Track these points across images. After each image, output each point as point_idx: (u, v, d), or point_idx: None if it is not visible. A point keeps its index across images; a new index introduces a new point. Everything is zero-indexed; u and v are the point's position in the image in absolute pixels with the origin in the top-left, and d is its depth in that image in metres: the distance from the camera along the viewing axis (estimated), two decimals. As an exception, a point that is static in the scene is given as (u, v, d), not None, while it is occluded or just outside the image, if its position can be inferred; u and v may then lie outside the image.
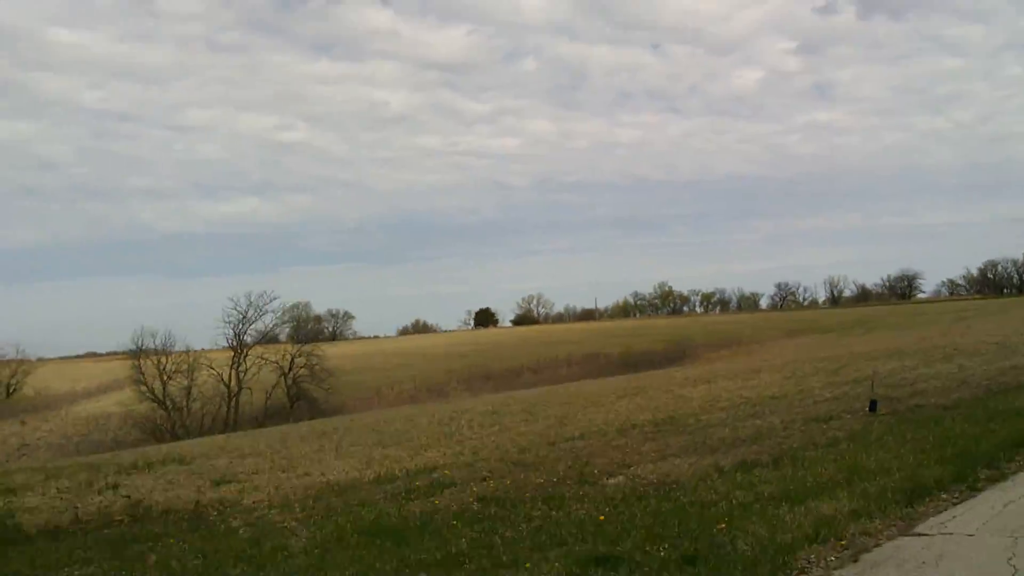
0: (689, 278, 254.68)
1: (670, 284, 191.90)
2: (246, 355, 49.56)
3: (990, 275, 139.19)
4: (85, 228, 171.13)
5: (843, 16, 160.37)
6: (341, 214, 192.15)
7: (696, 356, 60.82)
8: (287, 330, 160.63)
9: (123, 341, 57.18)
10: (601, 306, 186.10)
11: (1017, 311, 55.77)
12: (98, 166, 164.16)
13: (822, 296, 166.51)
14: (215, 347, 55.30)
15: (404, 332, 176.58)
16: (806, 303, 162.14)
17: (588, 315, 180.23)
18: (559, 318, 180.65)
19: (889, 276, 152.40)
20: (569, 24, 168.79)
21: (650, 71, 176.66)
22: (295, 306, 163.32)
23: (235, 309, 51.40)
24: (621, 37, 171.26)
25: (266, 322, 51.96)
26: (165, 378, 47.19)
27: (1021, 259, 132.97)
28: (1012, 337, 20.50)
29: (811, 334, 66.61)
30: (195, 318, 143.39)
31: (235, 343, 50.89)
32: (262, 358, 49.15)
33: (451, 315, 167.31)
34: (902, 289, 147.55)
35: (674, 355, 61.95)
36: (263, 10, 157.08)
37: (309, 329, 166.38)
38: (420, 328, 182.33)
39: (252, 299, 51.62)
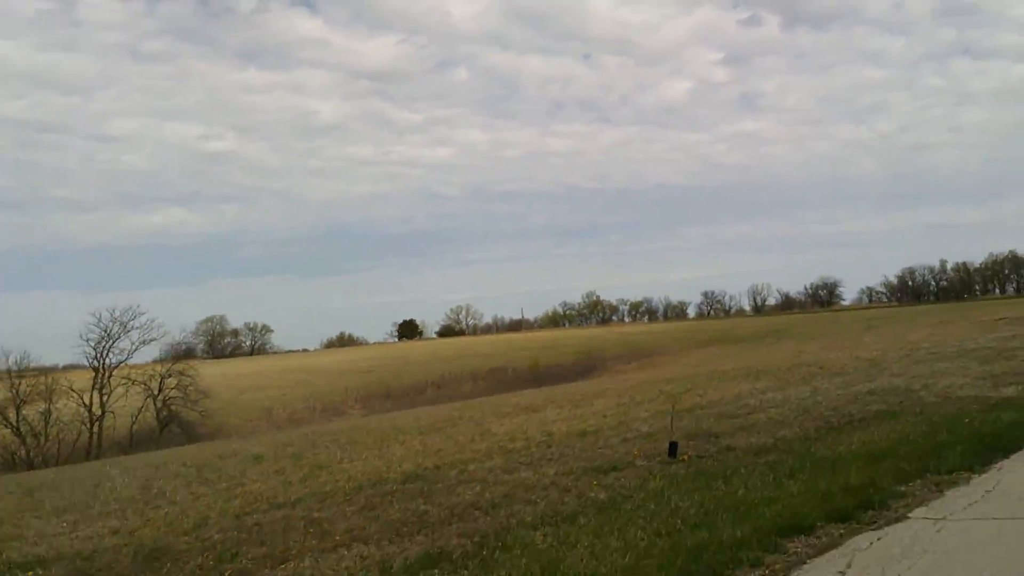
0: (623, 287, 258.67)
1: (598, 293, 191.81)
2: (110, 375, 45.35)
3: (909, 282, 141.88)
4: (4, 240, 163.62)
5: (767, 28, 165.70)
6: (272, 224, 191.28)
7: (605, 369, 58.66)
8: (201, 345, 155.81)
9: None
10: (531, 316, 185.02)
11: (924, 319, 54.99)
12: (19, 177, 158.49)
13: (747, 305, 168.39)
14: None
15: (330, 345, 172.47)
16: (733, 312, 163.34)
17: (516, 326, 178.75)
18: (487, 329, 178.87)
19: (812, 284, 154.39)
20: (501, 34, 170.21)
21: (582, 81, 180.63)
22: (209, 320, 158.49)
23: (96, 326, 47.03)
24: (553, 47, 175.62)
25: (133, 339, 47.54)
26: (19, 402, 42.87)
27: (938, 266, 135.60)
28: (889, 352, 18.37)
29: (723, 345, 65.15)
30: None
31: (96, 362, 46.51)
32: (127, 379, 45.06)
33: (384, 327, 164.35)
34: (822, 297, 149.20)
35: (584, 368, 59.71)
36: (188, 18, 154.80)
37: (225, 343, 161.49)
38: (345, 341, 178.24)
39: (115, 315, 47.28)
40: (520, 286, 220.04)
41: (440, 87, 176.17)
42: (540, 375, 56.48)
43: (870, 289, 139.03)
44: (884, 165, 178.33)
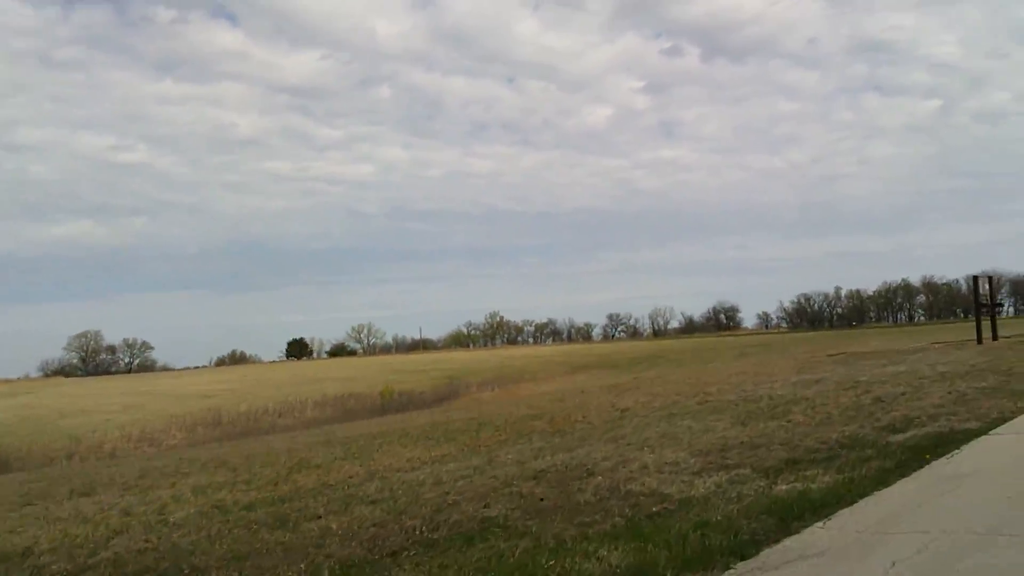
0: (542, 308, 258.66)
1: (502, 314, 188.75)
2: None
3: (806, 308, 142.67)
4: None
5: (688, 59, 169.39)
6: (183, 239, 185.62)
7: (467, 396, 54.44)
8: (74, 360, 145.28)
9: None
10: (436, 336, 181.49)
11: (798, 347, 52.38)
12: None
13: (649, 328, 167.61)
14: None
15: (220, 363, 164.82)
16: (645, 335, 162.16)
17: (416, 346, 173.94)
18: (386, 349, 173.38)
19: (711, 309, 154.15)
20: (426, 54, 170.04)
21: (505, 104, 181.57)
22: (83, 335, 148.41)
23: None
24: (477, 69, 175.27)
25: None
26: None
27: (832, 293, 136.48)
28: (663, 398, 14.32)
29: (595, 370, 61.68)
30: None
31: None
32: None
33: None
34: (719, 321, 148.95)
35: (444, 394, 55.21)
36: (105, 27, 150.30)
37: (100, 360, 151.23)
38: (237, 359, 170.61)
39: None
40: (436, 305, 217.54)
41: (362, 104, 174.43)
42: (393, 403, 51.66)
43: (766, 314, 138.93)
44: (796, 194, 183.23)
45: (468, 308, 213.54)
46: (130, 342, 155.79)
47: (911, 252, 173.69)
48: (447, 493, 7.89)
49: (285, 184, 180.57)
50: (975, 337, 22.44)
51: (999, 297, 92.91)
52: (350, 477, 9.21)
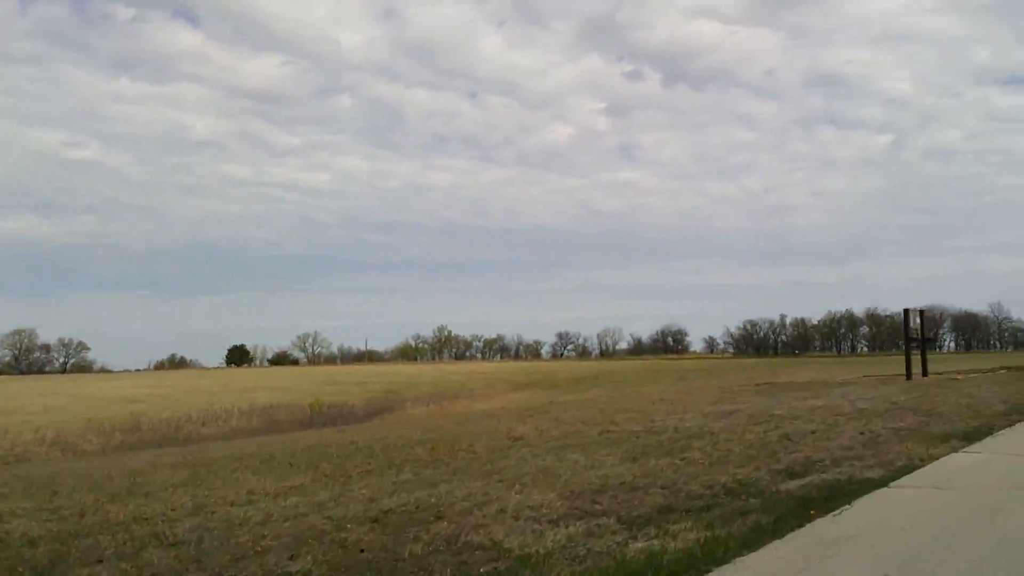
0: (495, 323, 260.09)
1: (450, 328, 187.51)
2: None
3: (753, 335, 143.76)
4: None
5: (649, 83, 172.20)
6: (133, 239, 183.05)
7: (400, 411, 52.98)
8: (7, 358, 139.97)
9: None
10: (384, 348, 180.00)
11: (735, 374, 52.14)
12: None
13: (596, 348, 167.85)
14: None
15: (159, 367, 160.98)
16: (594, 354, 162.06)
17: (361, 357, 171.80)
18: (331, 359, 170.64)
19: (659, 331, 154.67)
20: (388, 65, 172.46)
21: (466, 118, 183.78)
22: (17, 333, 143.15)
23: None
24: (440, 83, 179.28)
25: None
26: None
27: (778, 321, 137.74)
28: (584, 425, 13.27)
29: (535, 388, 60.70)
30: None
31: None
32: None
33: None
34: (667, 344, 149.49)
35: (376, 409, 53.68)
36: (63, 22, 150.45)
37: (34, 359, 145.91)
38: (176, 363, 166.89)
39: None
40: (390, 318, 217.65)
41: (322, 112, 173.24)
42: (320, 417, 49.96)
43: (712, 339, 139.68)
44: (750, 222, 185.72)
45: (422, 321, 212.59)
46: (65, 341, 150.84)
47: (860, 283, 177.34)
48: (263, 537, 6.71)
49: (241, 189, 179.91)
50: (905, 372, 21.87)
51: (937, 331, 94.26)
52: (172, 510, 7.97)
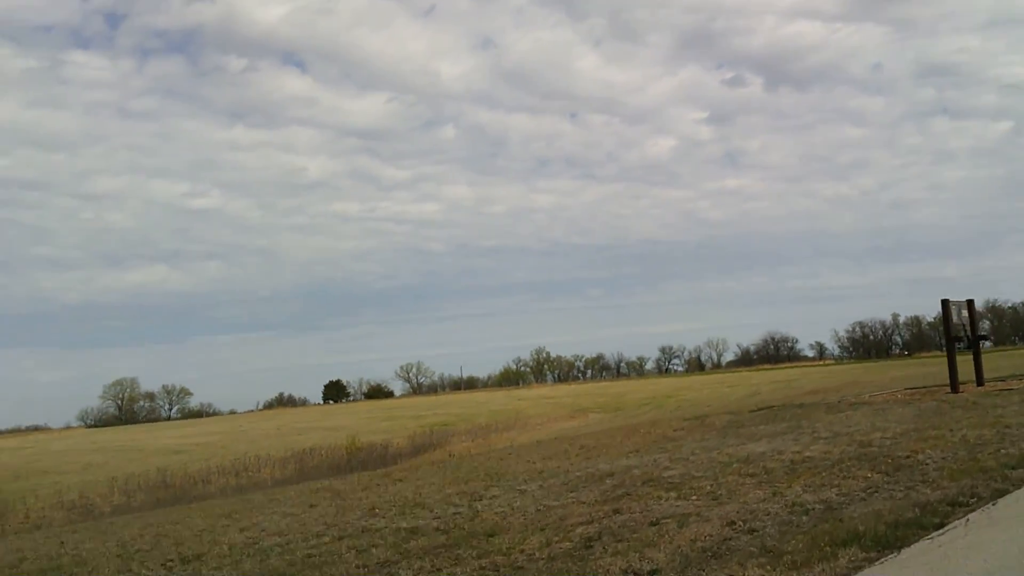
0: (602, 341, 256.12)
1: (548, 349, 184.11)
2: None
3: (869, 337, 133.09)
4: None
5: (751, 88, 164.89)
6: (254, 281, 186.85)
7: (446, 446, 49.10)
8: (111, 409, 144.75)
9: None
10: (487, 373, 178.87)
11: (815, 380, 45.77)
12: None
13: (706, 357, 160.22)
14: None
15: (268, 407, 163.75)
16: (708, 366, 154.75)
17: (459, 385, 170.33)
18: (432, 389, 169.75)
19: (763, 340, 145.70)
20: (488, 93, 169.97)
21: (568, 139, 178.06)
22: (119, 383, 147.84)
23: None
24: (539, 106, 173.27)
25: None
26: None
27: (890, 321, 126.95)
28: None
29: (598, 414, 55.66)
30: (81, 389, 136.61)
31: None
32: None
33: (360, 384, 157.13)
34: (774, 352, 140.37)
35: (420, 446, 49.93)
36: (177, 77, 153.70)
37: (138, 407, 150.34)
38: (285, 402, 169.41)
39: None
40: (497, 342, 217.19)
41: (427, 144, 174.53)
42: (358, 459, 46.57)
43: (820, 344, 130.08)
44: (865, 221, 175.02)
45: (527, 344, 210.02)
46: (168, 388, 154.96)
47: (983, 276, 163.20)
48: None
49: (353, 225, 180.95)
50: (951, 382, 16.27)
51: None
52: None
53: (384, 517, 9.13)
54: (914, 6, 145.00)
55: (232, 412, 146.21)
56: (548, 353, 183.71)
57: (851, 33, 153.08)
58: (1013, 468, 7.51)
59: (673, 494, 8.24)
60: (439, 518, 8.59)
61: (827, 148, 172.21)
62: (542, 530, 7.32)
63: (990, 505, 6.23)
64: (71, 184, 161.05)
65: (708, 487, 8.41)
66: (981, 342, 17.97)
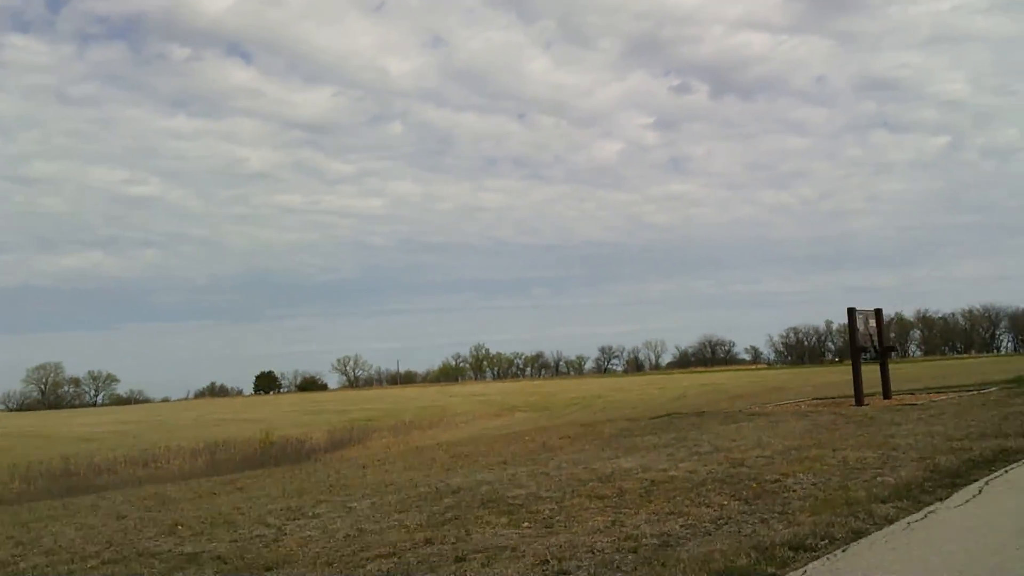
0: (546, 340, 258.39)
1: (487, 346, 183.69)
2: None
3: (803, 343, 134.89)
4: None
5: (697, 95, 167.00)
6: (192, 270, 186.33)
7: (363, 443, 47.61)
8: (34, 393, 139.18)
9: None
10: (427, 368, 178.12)
11: (741, 386, 45.52)
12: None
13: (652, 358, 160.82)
14: None
15: (199, 395, 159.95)
16: (647, 367, 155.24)
17: (405, 379, 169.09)
18: (368, 382, 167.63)
19: (700, 342, 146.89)
20: (437, 91, 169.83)
21: (516, 139, 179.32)
22: (42, 368, 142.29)
23: None
24: (488, 106, 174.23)
25: None
26: None
27: (823, 327, 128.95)
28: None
29: (526, 413, 54.68)
30: (10, 373, 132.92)
31: None
32: None
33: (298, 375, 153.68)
34: (710, 354, 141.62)
35: (338, 442, 48.31)
36: (119, 64, 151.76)
37: (62, 392, 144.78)
38: (216, 392, 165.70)
39: None
40: (442, 338, 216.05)
41: (374, 140, 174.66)
42: (270, 453, 44.74)
43: (754, 348, 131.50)
44: (806, 229, 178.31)
45: (469, 341, 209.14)
46: (95, 374, 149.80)
47: (918, 286, 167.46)
48: None
49: (296, 217, 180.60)
50: (855, 394, 15.51)
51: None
52: None
53: (180, 537, 7.83)
54: (859, 21, 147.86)
55: (166, 400, 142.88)
56: (487, 350, 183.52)
57: (796, 45, 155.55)
58: (883, 502, 6.54)
59: (505, 519, 7.10)
60: (236, 542, 7.33)
61: (770, 157, 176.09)
62: (330, 564, 6.12)
63: (839, 552, 5.21)
64: (5, 167, 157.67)
65: (548, 511, 7.30)
66: (889, 353, 17.30)
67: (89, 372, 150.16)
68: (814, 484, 7.56)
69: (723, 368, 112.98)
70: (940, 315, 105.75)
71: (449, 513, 7.63)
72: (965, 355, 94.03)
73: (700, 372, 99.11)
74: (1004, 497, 6.46)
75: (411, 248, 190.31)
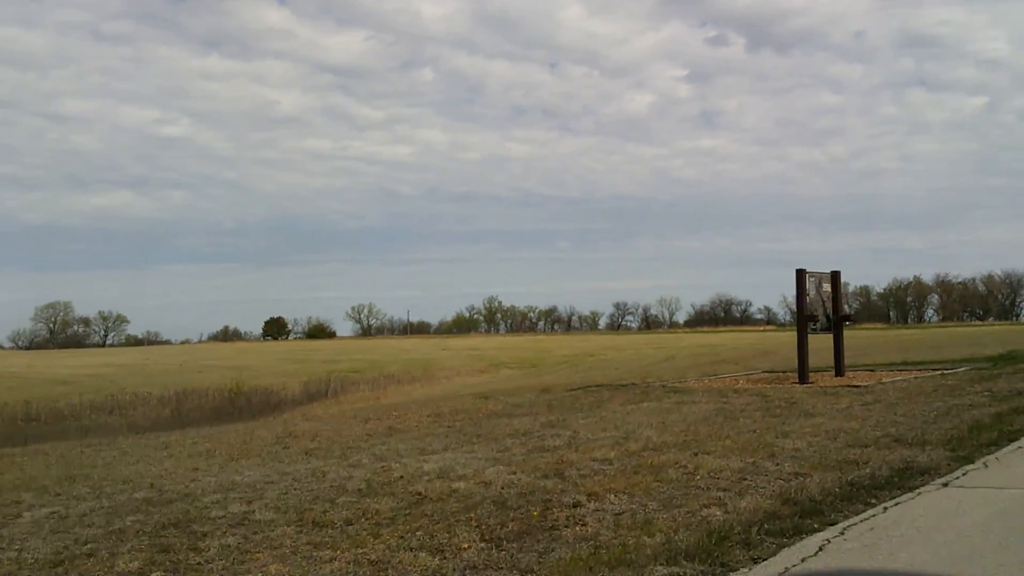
0: (566, 294, 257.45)
1: (500, 299, 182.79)
2: None
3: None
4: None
5: (732, 48, 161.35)
6: (220, 214, 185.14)
7: (338, 397, 46.03)
8: (43, 332, 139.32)
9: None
10: (436, 320, 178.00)
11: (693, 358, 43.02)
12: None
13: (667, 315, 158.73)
14: None
15: (213, 339, 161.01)
16: (666, 325, 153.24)
17: (417, 329, 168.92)
18: (380, 331, 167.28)
19: (711, 301, 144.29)
20: (469, 38, 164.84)
21: (546, 89, 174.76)
22: (51, 306, 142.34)
23: None
24: (520, 54, 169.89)
25: None
26: None
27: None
28: None
29: (513, 370, 52.89)
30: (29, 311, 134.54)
31: None
32: None
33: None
34: (723, 314, 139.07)
35: (313, 394, 46.78)
36: (153, 2, 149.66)
37: (71, 332, 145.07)
38: (229, 336, 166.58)
39: None
40: (458, 288, 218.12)
41: (404, 86, 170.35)
42: (238, 404, 43.27)
43: (768, 309, 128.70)
44: (835, 188, 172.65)
45: (490, 291, 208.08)
46: (105, 314, 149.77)
47: (945, 250, 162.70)
48: None
49: (324, 163, 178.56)
50: (799, 370, 13.19)
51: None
52: None
53: None
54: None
55: (186, 342, 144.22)
56: (500, 302, 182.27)
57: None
58: (668, 562, 4.30)
59: (141, 559, 4.93)
60: None
61: (803, 113, 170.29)
62: None
63: None
64: (39, 104, 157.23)
65: (226, 546, 5.14)
66: (843, 323, 14.91)
67: (100, 312, 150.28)
68: (617, 515, 5.34)
69: (731, 329, 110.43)
70: (960, 280, 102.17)
71: (169, 523, 5.48)
72: (980, 322, 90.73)
73: (706, 332, 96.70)
74: (848, 560, 4.17)
75: (437, 197, 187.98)
